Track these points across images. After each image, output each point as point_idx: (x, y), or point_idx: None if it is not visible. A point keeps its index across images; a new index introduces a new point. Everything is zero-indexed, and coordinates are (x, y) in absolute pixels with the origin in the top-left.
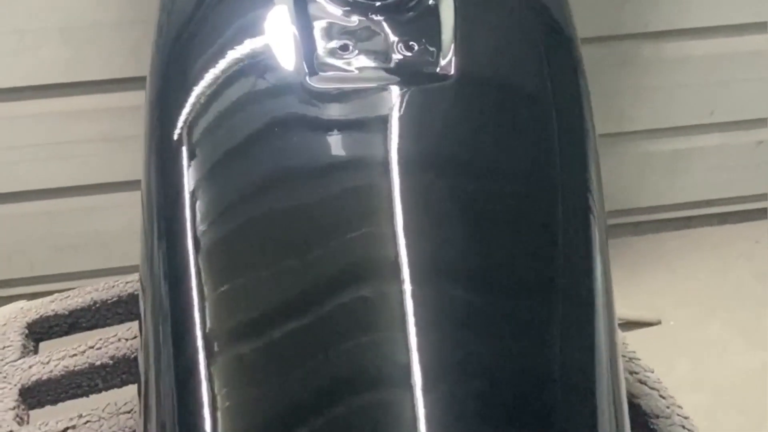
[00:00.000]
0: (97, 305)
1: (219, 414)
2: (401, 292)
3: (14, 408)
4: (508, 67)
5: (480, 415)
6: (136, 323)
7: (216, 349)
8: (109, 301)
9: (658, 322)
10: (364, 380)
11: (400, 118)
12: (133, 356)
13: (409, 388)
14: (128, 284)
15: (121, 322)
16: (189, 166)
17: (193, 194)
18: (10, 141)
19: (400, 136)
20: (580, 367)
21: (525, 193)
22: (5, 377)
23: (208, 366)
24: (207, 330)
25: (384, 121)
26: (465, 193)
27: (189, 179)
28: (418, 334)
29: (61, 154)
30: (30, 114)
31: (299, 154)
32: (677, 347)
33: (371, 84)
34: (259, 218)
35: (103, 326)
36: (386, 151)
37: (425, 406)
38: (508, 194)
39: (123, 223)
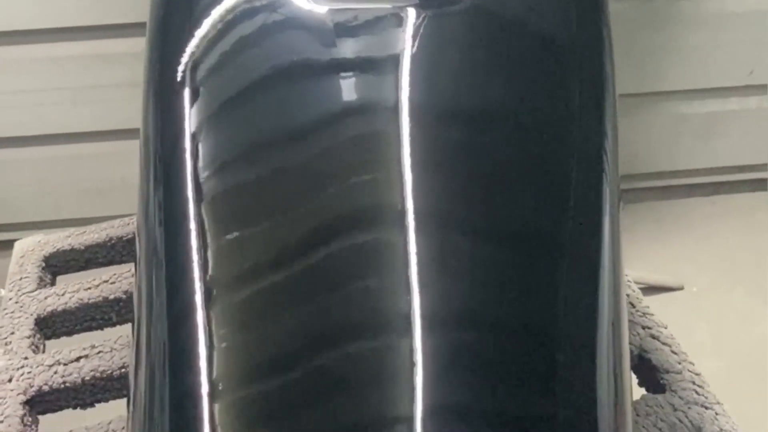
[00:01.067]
0: (113, 241)
1: (212, 356)
2: (403, 240)
3: (30, 336)
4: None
5: (475, 367)
6: None
7: (210, 292)
8: (124, 238)
9: (681, 288)
10: (361, 326)
11: (411, 44)
12: None
13: (408, 335)
14: None
15: None
16: (189, 107)
17: (193, 137)
18: (35, 84)
19: (410, 68)
20: (578, 320)
21: (535, 138)
22: (21, 307)
23: (202, 309)
24: (202, 274)
25: (393, 47)
26: (471, 135)
27: (188, 121)
28: (419, 282)
29: (86, 98)
30: (55, 57)
31: (305, 90)
32: (699, 313)
33: (383, 5)
34: (259, 159)
35: (118, 263)
36: (394, 88)
37: (423, 354)
38: (516, 138)
39: None
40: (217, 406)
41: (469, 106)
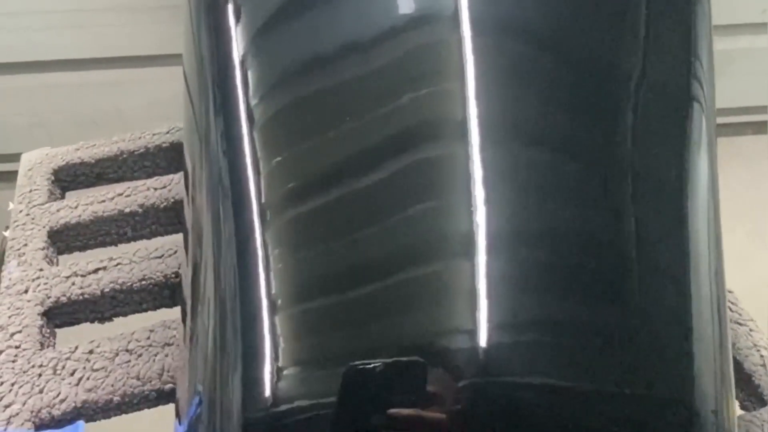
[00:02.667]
0: (124, 156)
1: (282, 275)
2: (471, 159)
3: (44, 248)
4: None
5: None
6: (164, 176)
7: (276, 213)
8: (135, 152)
9: None
10: (426, 248)
11: None
12: (162, 206)
13: (474, 257)
14: (155, 136)
15: (149, 176)
16: (241, 24)
17: (246, 57)
18: (25, 6)
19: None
20: (675, 250)
21: (619, 65)
22: (33, 219)
23: (268, 230)
24: (268, 196)
25: None
26: (549, 57)
27: (241, 39)
28: (488, 200)
29: (80, 22)
30: None
31: (360, 12)
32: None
33: None
34: (317, 81)
35: (130, 179)
36: (457, 8)
37: (496, 275)
38: (598, 65)
39: (145, 100)
40: (288, 323)
41: (552, 21)
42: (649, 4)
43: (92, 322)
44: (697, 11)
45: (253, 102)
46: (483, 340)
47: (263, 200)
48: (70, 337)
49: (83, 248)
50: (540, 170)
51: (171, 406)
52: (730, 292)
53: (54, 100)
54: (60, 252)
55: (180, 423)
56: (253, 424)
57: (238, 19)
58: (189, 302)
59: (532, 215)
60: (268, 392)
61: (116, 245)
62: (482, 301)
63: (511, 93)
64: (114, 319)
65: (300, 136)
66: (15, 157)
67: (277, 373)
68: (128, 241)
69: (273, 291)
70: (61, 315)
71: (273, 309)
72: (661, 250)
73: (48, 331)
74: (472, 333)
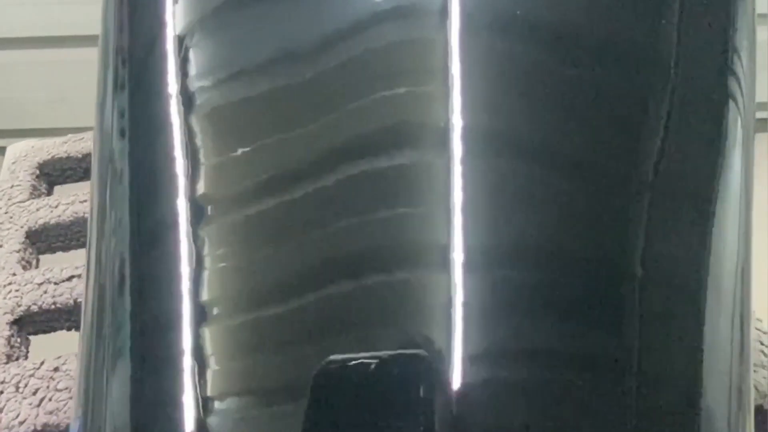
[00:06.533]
0: None
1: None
2: (432, 163)
3: (20, 251)
4: None
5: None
6: None
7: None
8: None
9: None
10: (382, 256)
11: None
12: None
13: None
14: None
15: None
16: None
17: (175, 35)
18: None
19: None
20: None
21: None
22: (11, 218)
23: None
24: (186, 189)
25: None
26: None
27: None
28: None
29: None
30: None
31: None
32: None
33: None
34: (263, 59)
35: None
36: None
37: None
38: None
39: None
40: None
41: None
42: None
43: (69, 330)
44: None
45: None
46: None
47: (178, 195)
48: (54, 342)
49: (65, 249)
50: (528, 178)
51: None
52: (765, 333)
53: (76, 75)
54: (41, 252)
55: None
56: None
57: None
58: (82, 314)
59: (515, 227)
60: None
61: None
62: (440, 317)
63: (503, 88)
64: None
65: (231, 133)
66: (37, 132)
67: (164, 402)
68: None
69: (161, 302)
70: (33, 323)
71: (159, 324)
72: (677, 272)
73: (18, 340)
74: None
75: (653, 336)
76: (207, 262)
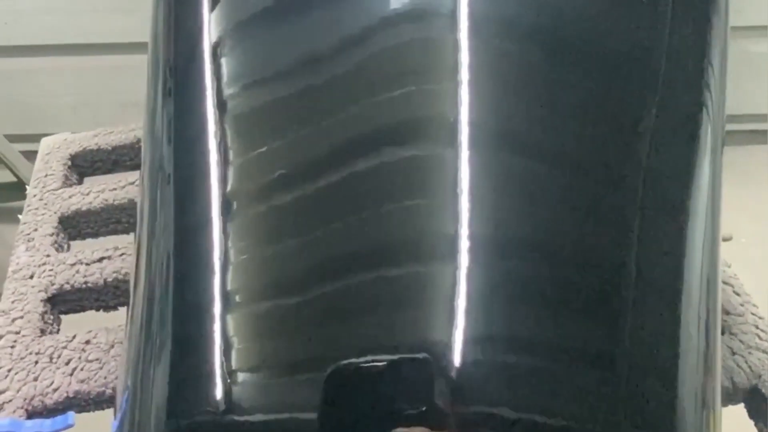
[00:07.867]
0: (140, 144)
1: (227, 272)
2: (442, 160)
3: (53, 234)
4: None
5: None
6: None
7: (228, 206)
8: None
9: (730, 238)
10: (386, 251)
11: None
12: None
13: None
14: None
15: None
16: (216, 10)
17: (214, 46)
18: None
19: None
20: (666, 263)
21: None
22: (46, 204)
23: (216, 224)
24: (218, 188)
25: None
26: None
27: (207, 24)
28: (460, 204)
29: (126, 6)
30: None
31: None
32: (746, 264)
33: None
34: (289, 75)
35: None
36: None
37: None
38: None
39: None
40: (229, 323)
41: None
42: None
43: (97, 310)
44: (711, 10)
45: (222, 93)
46: (449, 353)
47: (218, 194)
48: (81, 323)
49: (94, 235)
50: (525, 176)
51: None
52: (761, 318)
53: (100, 81)
54: (72, 238)
55: (115, 418)
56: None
57: (214, 4)
58: (131, 298)
59: (509, 221)
60: (191, 395)
61: (127, 233)
62: (452, 307)
63: (500, 94)
64: (119, 308)
65: (264, 132)
66: None
67: (203, 377)
68: None
69: (202, 289)
70: (65, 302)
71: (201, 309)
72: (653, 268)
73: (51, 317)
74: (435, 344)
75: (625, 334)
76: (242, 256)
